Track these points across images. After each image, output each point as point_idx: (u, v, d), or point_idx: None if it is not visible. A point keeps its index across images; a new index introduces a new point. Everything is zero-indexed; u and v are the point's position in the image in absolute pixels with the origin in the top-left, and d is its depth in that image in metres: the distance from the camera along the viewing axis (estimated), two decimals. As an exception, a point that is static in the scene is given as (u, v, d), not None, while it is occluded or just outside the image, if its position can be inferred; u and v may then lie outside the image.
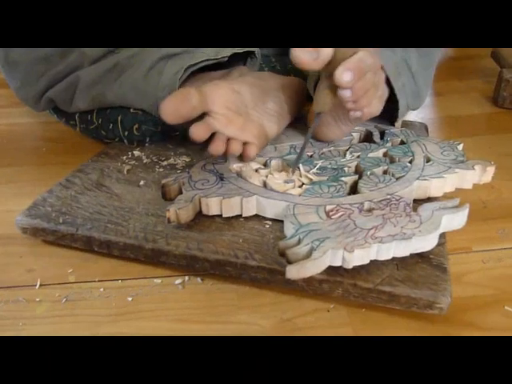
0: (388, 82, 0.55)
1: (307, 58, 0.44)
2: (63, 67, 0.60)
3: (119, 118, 0.61)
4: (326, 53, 0.44)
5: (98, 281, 0.46)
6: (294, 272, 0.37)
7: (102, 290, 0.45)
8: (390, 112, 0.59)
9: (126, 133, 0.61)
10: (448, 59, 1.03)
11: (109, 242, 0.46)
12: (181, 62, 0.55)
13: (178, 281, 0.46)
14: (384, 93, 0.52)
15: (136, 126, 0.60)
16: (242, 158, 0.52)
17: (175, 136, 0.63)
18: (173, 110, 0.45)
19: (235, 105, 0.50)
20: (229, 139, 0.49)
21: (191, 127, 0.47)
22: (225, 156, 0.51)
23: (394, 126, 0.62)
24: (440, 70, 0.99)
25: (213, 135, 0.48)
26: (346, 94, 0.46)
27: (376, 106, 0.50)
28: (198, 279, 0.46)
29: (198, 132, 0.47)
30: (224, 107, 0.49)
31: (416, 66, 0.61)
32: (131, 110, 0.61)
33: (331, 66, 0.45)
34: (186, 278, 0.46)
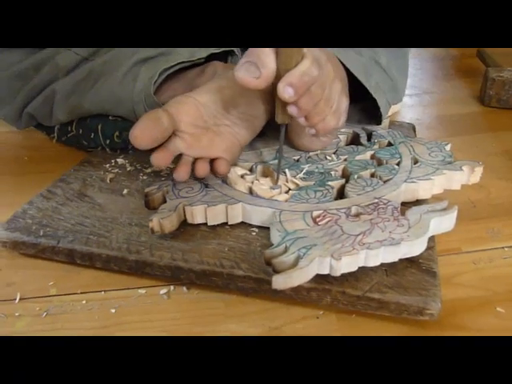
0: (361, 84, 0.54)
1: (250, 78, 0.41)
2: (38, 81, 0.59)
3: (99, 127, 0.60)
4: (267, 71, 0.41)
5: (81, 293, 0.45)
6: (280, 282, 0.36)
7: (84, 302, 0.44)
8: (373, 112, 0.58)
9: (108, 141, 0.60)
10: (434, 59, 1.03)
11: (91, 254, 0.45)
12: (155, 65, 0.54)
13: (163, 291, 0.45)
14: (340, 106, 0.49)
15: (116, 133, 0.59)
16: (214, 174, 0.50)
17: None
18: (144, 134, 0.44)
19: (202, 120, 0.48)
20: (196, 159, 0.48)
21: (151, 156, 0.45)
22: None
23: (380, 125, 0.61)
24: (426, 70, 1.00)
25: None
26: (292, 110, 0.44)
27: (331, 122, 0.48)
28: (184, 288, 0.45)
29: (158, 160, 0.45)
30: (190, 125, 0.47)
31: (386, 59, 0.60)
32: (110, 118, 0.59)
33: (276, 80, 0.42)
34: (172, 287, 0.45)
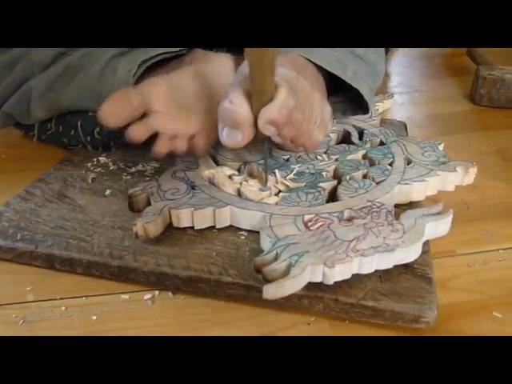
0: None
1: (234, 142, 0.42)
2: (13, 78, 0.56)
3: (79, 123, 0.57)
4: (247, 133, 0.41)
5: (60, 298, 0.42)
6: (271, 292, 0.35)
7: (63, 308, 0.42)
8: (359, 101, 0.57)
9: (88, 138, 0.58)
10: (422, 57, 1.02)
11: (71, 259, 0.43)
12: (134, 58, 0.52)
13: (148, 296, 0.43)
14: (324, 117, 0.48)
15: (97, 129, 0.57)
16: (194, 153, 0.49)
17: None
18: (112, 112, 0.43)
19: (176, 101, 0.47)
20: (173, 137, 0.47)
21: (129, 128, 0.44)
22: (173, 155, 0.49)
23: (368, 113, 0.59)
24: (415, 68, 0.99)
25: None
26: (276, 140, 0.45)
27: (318, 136, 0.47)
28: (169, 293, 0.43)
29: (135, 133, 0.44)
30: (164, 105, 0.46)
31: (363, 48, 0.59)
32: (90, 114, 0.57)
33: (255, 109, 0.41)
34: (156, 292, 0.43)
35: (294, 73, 0.45)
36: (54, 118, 0.59)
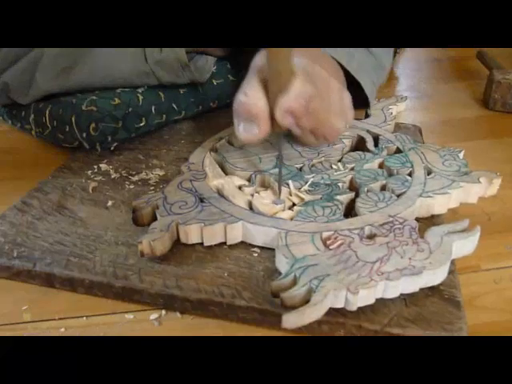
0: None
1: (251, 136, 0.41)
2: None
3: (73, 119, 0.54)
4: (264, 127, 0.40)
5: (59, 319, 0.39)
6: (291, 321, 0.32)
7: (62, 330, 0.38)
8: (360, 94, 0.55)
9: (84, 134, 0.54)
10: (430, 61, 0.99)
11: (72, 279, 0.40)
12: None
13: (154, 316, 0.40)
14: (343, 105, 0.46)
15: (93, 125, 0.54)
16: None
17: (145, 141, 0.57)
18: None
19: None
20: None
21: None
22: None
23: (368, 107, 0.58)
24: (424, 72, 0.96)
25: None
26: (296, 131, 0.43)
27: (339, 126, 0.46)
28: (177, 313, 0.40)
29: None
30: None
31: None
32: (83, 107, 0.54)
33: (271, 101, 0.40)
34: (163, 311, 0.40)
35: (310, 61, 0.43)
36: (47, 112, 0.56)
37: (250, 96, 0.40)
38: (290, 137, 0.52)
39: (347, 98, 0.47)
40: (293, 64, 0.40)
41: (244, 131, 0.41)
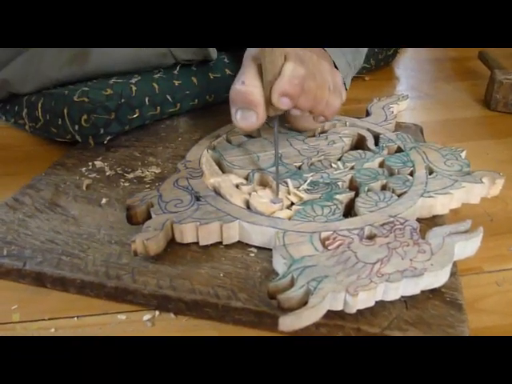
0: None
1: (249, 123, 0.42)
2: None
3: (65, 111, 0.53)
4: (261, 114, 0.41)
5: (49, 319, 0.38)
6: (288, 324, 0.31)
7: (53, 330, 0.37)
8: None
9: (76, 126, 0.53)
10: (431, 61, 0.98)
11: (63, 278, 0.39)
12: None
13: (147, 316, 0.39)
14: (336, 82, 0.47)
15: (84, 116, 0.53)
16: None
17: (141, 138, 0.55)
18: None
19: None
20: None
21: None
22: None
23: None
24: (425, 72, 0.95)
25: None
26: (294, 112, 0.44)
27: (335, 102, 0.47)
28: (171, 314, 0.39)
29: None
30: None
31: None
32: (75, 98, 0.52)
33: (266, 89, 0.41)
34: (157, 312, 0.39)
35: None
36: (39, 104, 0.55)
37: (247, 84, 0.40)
38: (289, 131, 0.53)
39: (338, 77, 0.49)
40: (285, 51, 0.41)
41: (242, 119, 0.42)
